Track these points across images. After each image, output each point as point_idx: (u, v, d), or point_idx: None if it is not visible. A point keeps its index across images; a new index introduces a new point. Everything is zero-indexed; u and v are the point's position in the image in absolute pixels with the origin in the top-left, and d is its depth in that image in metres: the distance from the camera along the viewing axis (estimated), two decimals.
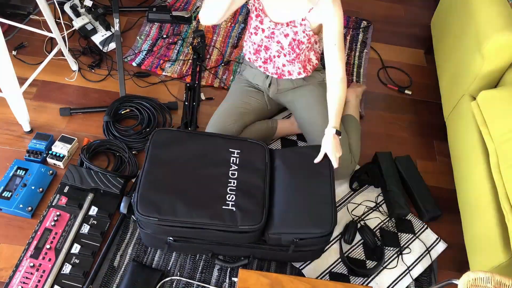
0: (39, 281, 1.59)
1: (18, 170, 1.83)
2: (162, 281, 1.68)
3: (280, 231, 1.57)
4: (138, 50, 2.38)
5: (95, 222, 1.74)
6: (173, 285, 1.68)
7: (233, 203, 1.57)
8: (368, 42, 2.63)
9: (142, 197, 1.54)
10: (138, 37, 2.45)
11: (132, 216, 1.80)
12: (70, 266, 1.64)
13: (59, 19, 2.10)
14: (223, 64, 2.39)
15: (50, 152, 1.91)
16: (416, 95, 2.43)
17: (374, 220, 1.92)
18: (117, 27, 2.27)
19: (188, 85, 2.22)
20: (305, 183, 1.66)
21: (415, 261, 1.82)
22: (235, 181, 1.62)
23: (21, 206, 1.75)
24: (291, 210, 1.60)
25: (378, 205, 1.97)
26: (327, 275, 1.76)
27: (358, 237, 1.86)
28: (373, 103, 2.36)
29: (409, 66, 2.57)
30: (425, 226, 1.92)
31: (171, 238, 1.61)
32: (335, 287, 1.52)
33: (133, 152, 1.98)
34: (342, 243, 1.84)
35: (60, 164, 1.90)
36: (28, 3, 2.41)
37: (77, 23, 2.37)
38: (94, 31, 2.37)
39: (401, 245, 1.86)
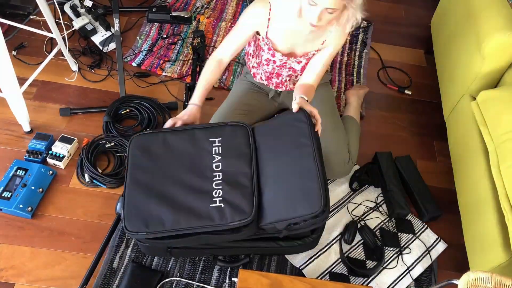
0: None
1: (18, 170, 1.83)
2: (162, 282, 1.68)
3: (271, 221, 1.49)
4: (138, 50, 2.39)
5: None
6: (173, 286, 1.68)
7: (220, 198, 1.50)
8: (368, 42, 2.63)
9: (128, 213, 1.48)
10: (138, 37, 2.45)
11: None
12: None
13: (59, 19, 2.10)
14: None
15: (50, 152, 1.91)
16: (416, 95, 2.43)
17: (374, 220, 1.92)
18: (117, 27, 2.27)
19: (188, 85, 2.22)
20: (288, 161, 1.55)
21: (415, 261, 1.82)
22: (220, 174, 1.54)
23: (21, 206, 1.75)
24: (278, 195, 1.51)
25: (378, 205, 1.97)
26: (327, 275, 1.76)
27: (358, 237, 1.86)
28: (373, 103, 2.36)
29: (409, 66, 2.57)
30: (425, 226, 1.92)
31: (170, 246, 1.58)
32: (335, 287, 1.52)
33: None
34: (342, 243, 1.84)
35: (60, 164, 1.90)
36: (28, 3, 2.41)
37: (77, 23, 2.37)
38: (94, 31, 2.37)
39: (401, 245, 1.86)
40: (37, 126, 2.03)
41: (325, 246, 1.83)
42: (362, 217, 1.92)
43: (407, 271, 1.80)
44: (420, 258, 1.84)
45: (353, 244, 1.85)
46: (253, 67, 1.95)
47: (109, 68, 2.29)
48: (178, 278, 1.69)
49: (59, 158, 1.91)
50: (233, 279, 1.70)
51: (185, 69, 2.34)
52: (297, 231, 1.58)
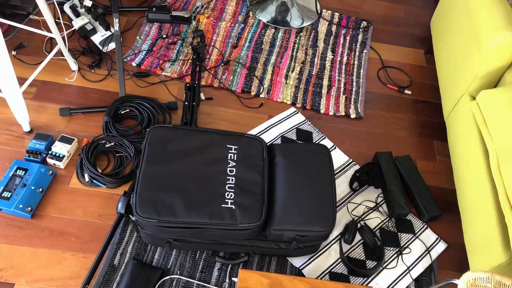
0: None
1: (18, 170, 1.83)
2: (162, 280, 1.68)
3: (282, 227, 1.58)
4: (137, 50, 2.38)
5: None
6: (173, 284, 1.68)
7: (232, 201, 1.57)
8: (368, 42, 2.63)
9: (140, 198, 1.54)
10: (137, 37, 2.45)
11: (130, 216, 1.80)
12: None
13: (59, 19, 2.10)
14: (222, 64, 2.39)
15: (50, 152, 1.91)
16: (416, 95, 2.43)
17: (374, 220, 1.92)
18: (116, 27, 2.27)
19: (187, 85, 2.22)
20: (306, 181, 1.66)
21: (415, 261, 1.82)
22: (233, 178, 1.62)
23: (20, 206, 1.75)
24: (293, 206, 1.60)
25: (378, 205, 1.97)
26: (327, 275, 1.77)
27: (358, 237, 1.86)
28: (373, 103, 2.36)
29: (409, 66, 2.57)
30: (425, 226, 1.92)
31: (171, 238, 1.61)
32: (335, 287, 1.52)
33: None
34: (342, 243, 1.84)
35: (60, 164, 1.90)
36: (28, 3, 2.41)
37: (77, 23, 2.37)
38: (94, 31, 2.37)
39: (401, 245, 1.86)
40: (37, 126, 2.03)
41: (325, 246, 1.83)
42: (362, 217, 1.92)
43: (407, 271, 1.80)
44: (420, 258, 1.84)
45: (353, 244, 1.85)
46: None
47: (109, 68, 2.29)
48: (178, 276, 1.69)
49: (59, 158, 1.90)
50: (233, 278, 1.71)
51: (185, 69, 2.34)
52: (304, 242, 1.66)
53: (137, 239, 1.76)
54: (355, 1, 2.85)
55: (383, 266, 1.80)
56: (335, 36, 2.65)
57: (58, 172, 1.92)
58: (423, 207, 1.92)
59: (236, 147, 1.69)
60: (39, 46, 2.32)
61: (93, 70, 2.27)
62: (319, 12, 2.76)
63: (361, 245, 1.85)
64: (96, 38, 2.37)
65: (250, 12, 2.67)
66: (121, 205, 1.65)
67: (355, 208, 1.95)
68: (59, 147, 1.92)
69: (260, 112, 2.23)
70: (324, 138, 2.15)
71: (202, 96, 2.24)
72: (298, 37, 2.60)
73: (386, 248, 1.84)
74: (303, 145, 1.87)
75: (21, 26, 2.14)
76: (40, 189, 1.82)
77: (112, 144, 1.97)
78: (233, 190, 1.59)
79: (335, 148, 2.13)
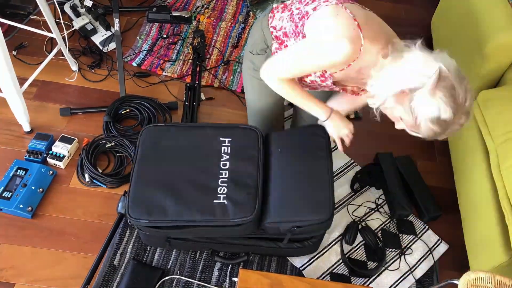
0: None
1: (18, 170, 1.83)
2: (162, 280, 1.68)
3: (277, 220, 1.53)
4: (138, 50, 2.38)
5: None
6: (173, 284, 1.68)
7: (225, 195, 1.53)
8: None
9: (133, 199, 1.52)
10: (138, 37, 2.45)
11: None
12: None
13: (59, 19, 2.10)
14: (223, 64, 2.39)
15: (50, 152, 1.91)
16: None
17: (375, 221, 1.92)
18: (117, 27, 2.27)
19: (188, 85, 2.22)
20: (301, 168, 1.60)
21: (416, 262, 1.82)
22: (227, 172, 1.58)
23: (21, 206, 1.75)
24: (287, 197, 1.56)
25: (378, 207, 1.97)
26: (328, 275, 1.76)
27: (358, 238, 1.86)
28: None
29: None
30: (427, 227, 1.92)
31: (170, 236, 1.60)
32: (335, 287, 1.52)
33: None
34: (343, 244, 1.83)
35: (60, 164, 1.90)
36: (28, 3, 2.41)
37: (77, 23, 2.37)
38: (94, 31, 2.37)
39: (403, 246, 1.86)
40: (37, 126, 2.03)
41: (326, 247, 1.83)
42: (363, 218, 1.92)
43: (409, 272, 1.80)
44: (422, 259, 1.84)
45: (354, 245, 1.85)
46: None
47: (109, 68, 2.29)
48: (178, 276, 1.69)
49: (59, 158, 1.90)
50: (233, 278, 1.70)
51: (185, 69, 2.34)
52: (299, 235, 1.61)
53: (137, 239, 1.76)
54: (355, 1, 2.84)
55: (384, 267, 1.80)
56: None
57: (59, 172, 1.92)
58: (424, 207, 1.92)
59: (230, 139, 1.65)
60: (40, 46, 2.32)
61: (93, 70, 2.27)
62: None
63: (362, 246, 1.85)
64: (97, 38, 2.37)
65: (250, 12, 2.66)
66: (121, 205, 1.65)
67: (355, 209, 1.95)
68: (59, 147, 1.92)
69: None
70: None
71: (203, 96, 2.24)
72: None
73: (388, 249, 1.84)
74: (300, 129, 1.78)
75: (22, 26, 2.14)
76: (41, 189, 1.82)
77: (113, 144, 1.97)
78: (226, 185, 1.55)
79: (335, 148, 2.12)
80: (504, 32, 1.73)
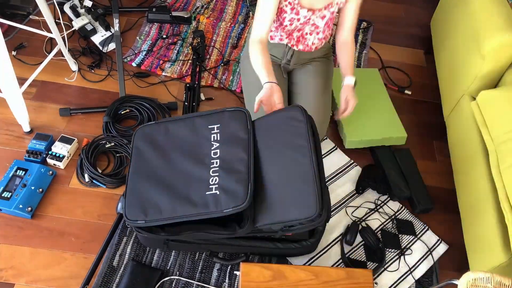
0: None
1: (18, 171, 1.83)
2: (162, 281, 1.68)
3: (266, 222, 1.49)
4: (137, 50, 2.38)
5: None
6: (173, 285, 1.68)
7: (216, 185, 1.50)
8: (367, 42, 2.63)
9: (129, 202, 1.52)
10: (137, 37, 2.45)
11: None
12: None
13: (59, 19, 2.10)
14: (222, 64, 2.39)
15: (50, 152, 1.91)
16: (416, 95, 2.43)
17: (375, 222, 1.92)
18: (116, 27, 2.27)
19: (187, 85, 2.22)
20: (284, 162, 1.52)
21: (416, 263, 1.82)
22: (218, 161, 1.56)
23: (20, 206, 1.75)
24: (274, 196, 1.49)
25: (378, 207, 1.96)
26: None
27: (358, 238, 1.86)
28: None
29: (409, 66, 2.57)
30: (426, 227, 1.92)
31: (168, 238, 1.59)
32: (336, 273, 1.53)
33: None
34: (343, 244, 1.83)
35: (60, 164, 1.90)
36: (28, 3, 2.41)
37: (77, 23, 2.37)
38: (94, 31, 2.37)
39: (402, 247, 1.86)
40: (37, 126, 2.03)
41: (326, 247, 1.83)
42: (363, 218, 1.92)
43: (408, 272, 1.80)
44: (422, 259, 1.84)
45: (354, 245, 1.85)
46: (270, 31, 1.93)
47: (109, 68, 2.29)
48: (177, 277, 1.69)
49: (59, 158, 1.90)
50: (235, 272, 1.70)
51: (185, 69, 2.34)
52: (295, 231, 1.56)
53: (136, 240, 1.76)
54: None
55: (384, 267, 1.80)
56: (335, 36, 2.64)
57: (58, 172, 1.92)
58: (416, 198, 1.94)
59: (219, 125, 1.63)
60: (39, 46, 2.32)
61: (93, 71, 2.27)
62: None
63: (362, 246, 1.85)
64: (96, 38, 2.37)
65: (250, 13, 2.66)
66: (121, 206, 1.65)
67: (355, 210, 1.95)
68: (59, 147, 1.92)
69: (260, 112, 2.23)
70: (326, 138, 2.15)
71: (202, 96, 2.24)
72: None
73: (387, 249, 1.84)
74: (277, 114, 1.66)
75: (21, 26, 2.14)
76: (40, 189, 1.82)
77: (112, 144, 1.97)
78: (217, 174, 1.53)
79: (336, 149, 2.13)
80: (503, 32, 1.73)
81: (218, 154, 1.58)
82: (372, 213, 1.94)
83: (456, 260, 1.86)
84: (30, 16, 2.41)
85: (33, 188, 1.80)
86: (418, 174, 2.02)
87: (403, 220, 1.93)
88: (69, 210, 1.82)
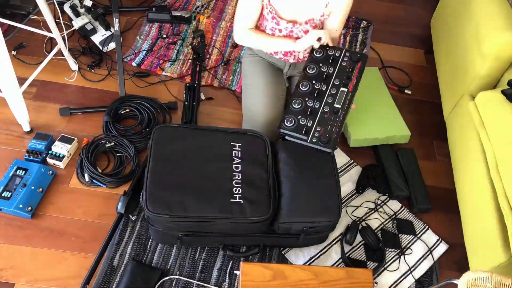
0: None
1: (18, 170, 1.83)
2: (162, 280, 1.68)
3: (290, 220, 1.61)
4: (137, 50, 2.38)
5: None
6: (173, 284, 1.68)
7: (240, 195, 1.59)
8: (367, 42, 2.63)
9: (151, 195, 1.55)
10: (137, 37, 2.45)
11: (130, 216, 1.80)
12: None
13: (59, 19, 2.10)
14: (223, 64, 2.39)
15: (50, 152, 1.91)
16: (416, 95, 2.43)
17: (375, 221, 1.92)
18: (116, 27, 2.27)
19: (188, 85, 2.22)
20: (310, 176, 1.69)
21: (416, 262, 1.82)
22: (240, 174, 1.64)
23: (20, 206, 1.75)
24: (299, 200, 1.64)
25: (378, 207, 1.96)
26: None
27: (358, 238, 1.86)
28: None
29: (409, 66, 2.57)
30: (426, 227, 1.92)
31: (182, 233, 1.63)
32: (336, 272, 1.54)
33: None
34: (343, 244, 1.83)
35: (60, 164, 1.90)
36: (28, 3, 2.41)
37: (77, 23, 2.37)
38: (94, 31, 2.37)
39: (402, 247, 1.86)
40: (37, 126, 2.03)
41: (326, 247, 1.83)
42: (363, 218, 1.92)
43: (408, 272, 1.80)
44: (422, 259, 1.84)
45: (354, 245, 1.85)
46: None
47: (109, 68, 2.29)
48: (178, 277, 1.69)
49: (59, 158, 1.90)
50: (235, 271, 1.71)
51: (185, 69, 2.34)
52: (310, 235, 1.71)
53: (137, 240, 1.76)
54: (355, 1, 2.84)
55: (384, 267, 1.80)
56: None
57: (58, 172, 1.92)
58: (414, 197, 1.95)
59: (240, 144, 1.72)
60: (39, 46, 2.32)
61: (93, 70, 2.27)
62: None
63: (362, 246, 1.85)
64: (96, 38, 2.37)
65: None
66: (121, 205, 1.65)
67: (355, 209, 1.95)
68: (59, 147, 1.92)
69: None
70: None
71: (202, 96, 2.24)
72: None
73: (387, 249, 1.84)
74: (310, 148, 1.82)
75: (21, 26, 2.14)
76: (40, 189, 1.82)
77: (112, 144, 1.97)
78: (240, 186, 1.62)
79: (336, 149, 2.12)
80: (503, 32, 1.73)
81: (240, 169, 1.66)
82: (372, 213, 1.94)
83: (456, 260, 1.86)
84: (30, 16, 2.41)
85: (33, 187, 1.80)
86: (419, 174, 2.03)
87: (403, 220, 1.93)
88: (69, 210, 1.82)
